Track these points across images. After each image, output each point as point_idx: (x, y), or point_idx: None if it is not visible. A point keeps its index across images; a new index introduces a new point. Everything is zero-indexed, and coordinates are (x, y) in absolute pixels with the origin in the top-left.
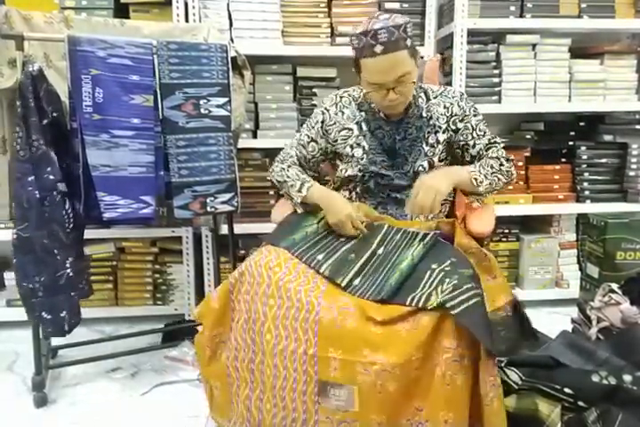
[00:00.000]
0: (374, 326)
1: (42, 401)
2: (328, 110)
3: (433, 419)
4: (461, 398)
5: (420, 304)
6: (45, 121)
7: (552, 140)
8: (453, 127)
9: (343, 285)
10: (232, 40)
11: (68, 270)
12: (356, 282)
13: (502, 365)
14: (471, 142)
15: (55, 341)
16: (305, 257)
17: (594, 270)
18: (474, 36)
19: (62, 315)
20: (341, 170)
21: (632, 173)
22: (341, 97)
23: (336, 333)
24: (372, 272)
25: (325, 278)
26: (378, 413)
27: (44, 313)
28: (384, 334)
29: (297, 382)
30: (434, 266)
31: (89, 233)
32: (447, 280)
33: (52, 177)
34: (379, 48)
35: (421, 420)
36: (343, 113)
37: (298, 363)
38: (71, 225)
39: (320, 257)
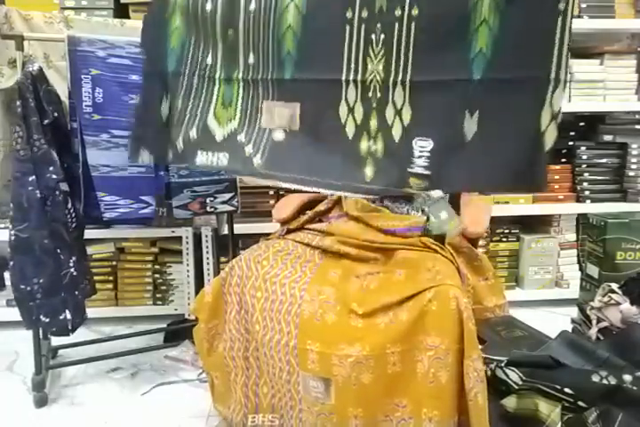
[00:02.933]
0: (355, 320)
1: (42, 401)
2: None
3: (417, 416)
4: (447, 396)
5: None
6: (46, 121)
7: None
8: None
9: (240, 76)
10: None
11: (72, 269)
12: (251, 60)
13: (502, 365)
14: None
15: (55, 341)
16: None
17: (594, 270)
18: None
19: (61, 317)
20: None
21: (632, 173)
22: None
23: (315, 326)
24: (258, 37)
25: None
26: (354, 406)
27: (41, 316)
28: (363, 327)
29: (282, 371)
30: None
31: (89, 233)
32: None
33: (54, 176)
34: None
35: (404, 417)
36: None
37: (282, 353)
38: (74, 224)
39: (209, 60)
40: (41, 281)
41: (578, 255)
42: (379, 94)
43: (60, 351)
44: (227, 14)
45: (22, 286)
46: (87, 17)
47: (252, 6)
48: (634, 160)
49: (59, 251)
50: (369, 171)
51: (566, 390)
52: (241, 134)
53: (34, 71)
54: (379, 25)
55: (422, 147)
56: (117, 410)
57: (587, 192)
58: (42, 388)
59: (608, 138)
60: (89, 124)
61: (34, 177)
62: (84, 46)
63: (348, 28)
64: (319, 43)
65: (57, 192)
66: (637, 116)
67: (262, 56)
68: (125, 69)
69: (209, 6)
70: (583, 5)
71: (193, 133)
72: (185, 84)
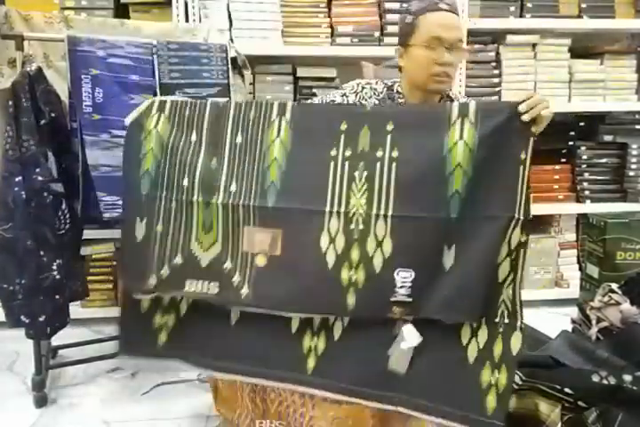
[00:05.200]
0: None
1: (42, 401)
2: (347, 96)
3: None
4: None
5: None
6: (43, 121)
7: (552, 141)
8: None
9: (220, 201)
10: (232, 40)
11: (55, 273)
12: (233, 188)
13: None
14: None
15: (55, 341)
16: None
17: (594, 270)
18: (474, 36)
19: (41, 319)
20: None
21: (632, 173)
22: (363, 87)
23: None
24: (242, 168)
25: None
26: None
27: (22, 317)
28: None
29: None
30: None
31: (89, 233)
32: None
33: (40, 178)
34: (444, 5)
35: None
36: (361, 104)
37: None
38: (66, 226)
39: (185, 182)
40: (22, 282)
41: (578, 255)
42: (361, 226)
43: (60, 351)
44: (211, 144)
45: (5, 286)
46: (87, 17)
47: (239, 139)
48: (634, 160)
49: (42, 253)
50: (351, 300)
51: (566, 390)
52: (227, 261)
53: (31, 71)
54: (362, 163)
55: (404, 278)
56: (117, 410)
57: (587, 192)
58: (42, 388)
59: (608, 138)
60: (89, 123)
61: (20, 178)
62: (84, 46)
63: (332, 164)
64: (304, 176)
65: (45, 193)
66: (637, 116)
67: (245, 185)
68: (125, 69)
69: (194, 137)
70: (583, 5)
71: (178, 259)
72: (163, 209)
